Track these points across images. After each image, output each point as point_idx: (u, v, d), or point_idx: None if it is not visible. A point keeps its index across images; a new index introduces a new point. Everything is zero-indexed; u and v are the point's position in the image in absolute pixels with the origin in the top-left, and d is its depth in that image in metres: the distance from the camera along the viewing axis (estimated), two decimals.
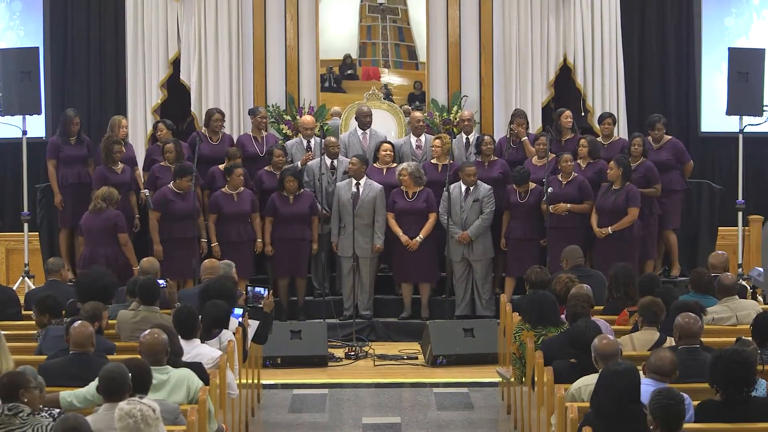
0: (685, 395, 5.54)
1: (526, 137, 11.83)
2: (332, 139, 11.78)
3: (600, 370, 5.94)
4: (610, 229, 10.85)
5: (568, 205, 11.02)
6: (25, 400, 5.46)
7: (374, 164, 11.71)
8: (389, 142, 11.83)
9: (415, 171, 11.23)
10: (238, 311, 8.30)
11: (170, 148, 11.32)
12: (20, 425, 5.36)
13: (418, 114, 12.24)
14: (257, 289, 8.65)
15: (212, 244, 11.08)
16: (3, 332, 6.62)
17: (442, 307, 11.33)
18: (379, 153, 11.68)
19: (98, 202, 10.57)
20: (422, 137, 12.02)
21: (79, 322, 6.77)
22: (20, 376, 5.52)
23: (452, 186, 11.28)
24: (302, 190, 11.31)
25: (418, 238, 11.19)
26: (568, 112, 11.92)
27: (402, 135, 12.60)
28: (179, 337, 6.86)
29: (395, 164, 11.65)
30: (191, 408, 5.97)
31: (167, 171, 11.28)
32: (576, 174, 11.15)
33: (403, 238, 11.19)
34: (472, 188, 11.23)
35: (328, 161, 11.66)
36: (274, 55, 13.12)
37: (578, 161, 11.37)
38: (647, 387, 5.68)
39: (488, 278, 11.36)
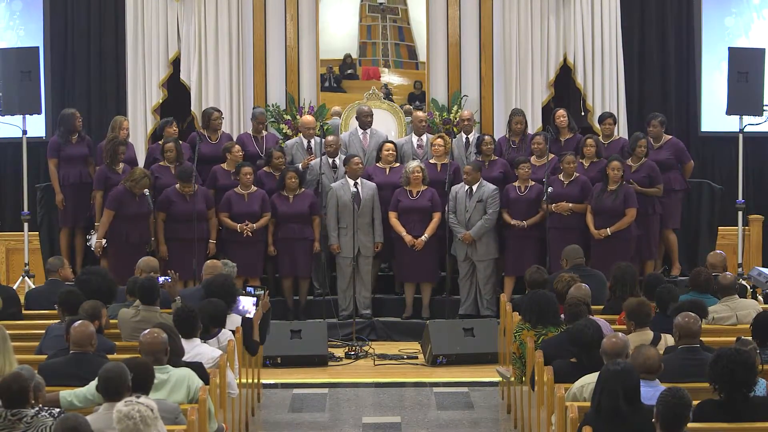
0: None
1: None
2: (330, 137, 11.78)
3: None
4: (609, 231, 10.86)
5: (570, 205, 11.03)
6: (32, 402, 5.49)
7: (377, 164, 11.71)
8: (392, 142, 11.83)
9: (425, 170, 11.27)
10: (253, 300, 8.37)
11: (170, 147, 11.34)
12: (24, 429, 5.38)
13: (420, 114, 12.24)
14: (249, 288, 8.68)
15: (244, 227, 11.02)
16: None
17: (442, 307, 11.33)
18: (381, 153, 11.68)
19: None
20: (423, 137, 12.02)
21: (80, 321, 6.77)
22: (25, 381, 5.51)
23: (458, 186, 11.29)
24: (302, 189, 11.32)
25: (423, 237, 11.19)
26: (561, 111, 11.91)
27: (402, 135, 12.61)
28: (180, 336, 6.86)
29: (398, 164, 11.64)
30: (191, 407, 5.97)
31: (167, 170, 11.31)
32: (578, 174, 11.16)
33: (407, 237, 11.19)
34: (476, 188, 11.23)
35: (329, 160, 11.68)
36: (274, 55, 13.12)
37: (582, 161, 11.38)
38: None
39: (491, 278, 11.36)
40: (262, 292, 8.63)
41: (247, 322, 8.34)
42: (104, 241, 10.88)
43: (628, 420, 5.52)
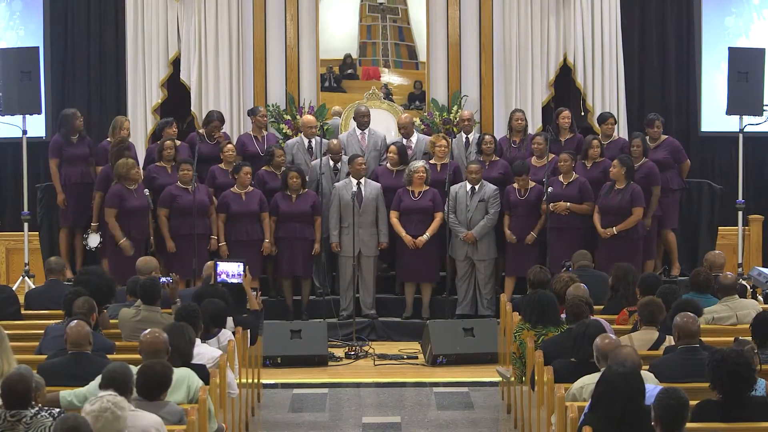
0: None
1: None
2: (335, 141, 11.74)
3: (602, 370, 5.94)
4: (615, 230, 10.84)
5: (568, 204, 11.02)
6: (35, 401, 5.50)
7: (386, 165, 11.66)
8: (394, 144, 11.78)
9: (429, 170, 11.26)
10: (240, 267, 8.45)
11: (170, 145, 11.36)
12: (24, 429, 5.38)
13: (403, 117, 12.20)
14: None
15: (220, 243, 11.11)
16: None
17: (442, 307, 11.33)
18: (387, 153, 11.67)
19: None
20: (413, 138, 12.01)
21: (75, 321, 6.77)
22: (29, 382, 5.51)
23: (457, 186, 11.29)
24: (305, 189, 11.32)
25: (425, 236, 11.19)
26: (566, 113, 11.91)
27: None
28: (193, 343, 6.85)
29: (404, 166, 11.59)
30: (191, 407, 5.97)
31: (163, 170, 11.32)
32: (577, 175, 11.15)
33: (407, 238, 11.19)
34: (477, 188, 11.23)
35: (331, 164, 11.68)
36: (274, 55, 13.11)
37: (584, 161, 11.36)
38: None
39: (491, 278, 11.37)
40: (243, 263, 8.64)
41: (236, 289, 8.34)
42: (126, 240, 10.87)
43: (629, 421, 5.50)
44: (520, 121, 11.88)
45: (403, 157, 11.62)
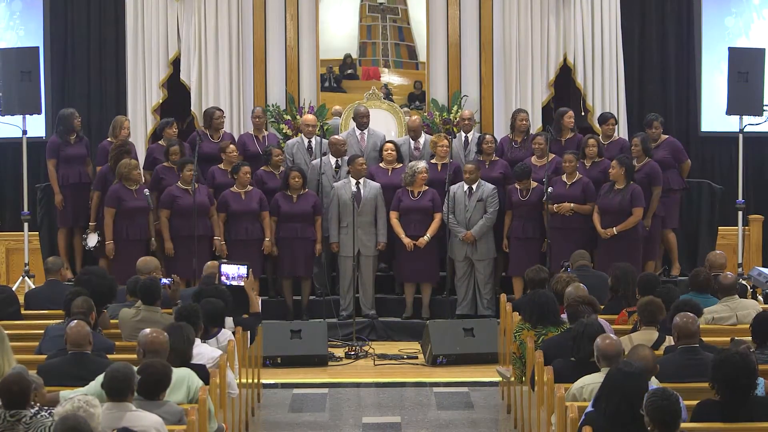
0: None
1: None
2: (339, 137, 11.77)
3: (607, 370, 5.93)
4: (615, 230, 10.84)
5: (572, 205, 11.01)
6: (33, 401, 5.49)
7: (380, 164, 11.69)
8: (392, 142, 11.82)
9: (428, 170, 11.27)
10: (243, 270, 8.47)
11: (176, 150, 11.34)
12: (23, 429, 5.37)
13: (414, 119, 12.19)
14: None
15: (220, 242, 11.12)
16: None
17: (442, 307, 11.33)
18: (382, 153, 11.68)
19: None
20: (421, 139, 12.01)
21: (75, 321, 6.77)
22: (27, 382, 5.51)
23: (456, 186, 11.29)
24: (306, 189, 11.32)
25: (426, 237, 11.18)
26: (570, 113, 11.92)
27: (402, 134, 12.60)
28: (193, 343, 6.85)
29: (400, 164, 11.61)
30: (191, 407, 5.97)
31: (170, 171, 11.32)
32: (581, 175, 11.14)
33: (406, 240, 11.19)
34: (475, 187, 11.24)
35: (333, 160, 11.68)
36: (274, 55, 13.12)
37: (583, 161, 11.36)
38: None
39: (490, 278, 11.37)
40: (246, 266, 8.66)
41: (238, 291, 8.35)
42: (111, 242, 10.91)
43: (634, 423, 5.49)
44: (524, 122, 11.89)
45: (399, 155, 11.63)
